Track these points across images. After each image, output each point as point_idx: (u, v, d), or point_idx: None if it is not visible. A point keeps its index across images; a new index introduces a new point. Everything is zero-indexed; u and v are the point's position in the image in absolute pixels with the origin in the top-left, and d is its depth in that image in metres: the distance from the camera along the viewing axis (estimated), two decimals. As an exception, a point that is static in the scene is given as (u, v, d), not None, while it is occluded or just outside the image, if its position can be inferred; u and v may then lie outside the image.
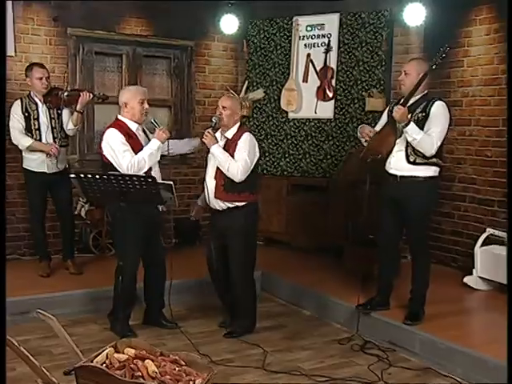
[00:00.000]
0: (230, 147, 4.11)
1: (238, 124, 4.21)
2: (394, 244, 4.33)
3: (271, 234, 6.61)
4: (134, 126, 4.16)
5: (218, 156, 4.06)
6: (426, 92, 4.14)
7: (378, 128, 4.30)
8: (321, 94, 6.23)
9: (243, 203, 4.14)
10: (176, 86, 6.68)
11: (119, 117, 4.19)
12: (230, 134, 4.17)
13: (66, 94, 5.09)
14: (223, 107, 4.14)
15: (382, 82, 5.94)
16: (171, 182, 3.89)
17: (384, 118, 4.32)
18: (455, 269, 5.61)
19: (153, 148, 4.05)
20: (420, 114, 4.05)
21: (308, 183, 6.35)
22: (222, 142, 4.15)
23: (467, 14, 5.49)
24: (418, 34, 5.87)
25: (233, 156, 4.06)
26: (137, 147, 4.09)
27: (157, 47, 6.47)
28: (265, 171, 6.60)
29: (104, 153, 4.07)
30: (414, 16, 5.52)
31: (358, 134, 4.34)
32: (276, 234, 6.57)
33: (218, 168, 4.10)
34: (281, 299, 5.27)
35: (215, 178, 4.10)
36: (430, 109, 4.02)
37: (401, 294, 4.41)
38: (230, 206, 4.14)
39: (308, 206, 6.26)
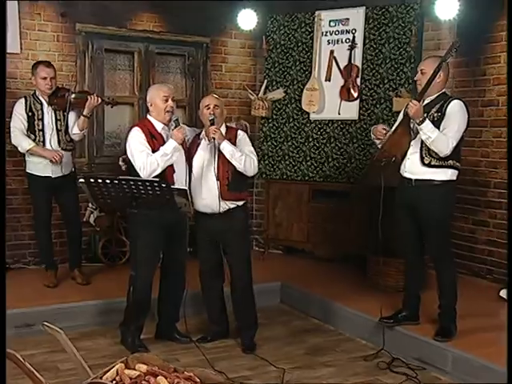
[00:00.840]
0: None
1: (224, 124, 4.33)
2: (416, 252, 4.32)
3: (291, 242, 6.62)
4: (159, 126, 4.20)
5: (229, 151, 4.11)
6: (442, 91, 4.14)
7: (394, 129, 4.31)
8: (345, 94, 6.20)
9: (243, 202, 4.27)
10: (191, 85, 6.69)
11: (147, 116, 4.27)
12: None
13: (73, 96, 5.10)
14: (215, 106, 4.22)
15: (411, 81, 5.87)
16: (186, 188, 3.91)
17: (400, 119, 4.34)
18: (490, 281, 5.53)
19: (167, 149, 4.05)
20: (436, 114, 4.05)
21: (331, 188, 6.32)
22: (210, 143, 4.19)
23: (504, 6, 5.42)
24: (450, 29, 5.81)
25: None
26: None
27: (170, 44, 6.50)
28: (284, 176, 6.58)
29: (127, 153, 4.15)
30: (446, 9, 5.46)
31: (372, 135, 4.36)
32: (297, 242, 6.57)
33: (220, 167, 4.14)
34: (301, 312, 5.26)
35: (218, 177, 4.14)
36: (445, 108, 4.04)
37: (431, 308, 4.36)
38: (232, 206, 4.21)
39: (331, 213, 6.25)
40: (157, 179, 3.90)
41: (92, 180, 3.83)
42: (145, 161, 4.01)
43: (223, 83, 6.77)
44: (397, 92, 5.92)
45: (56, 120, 5.11)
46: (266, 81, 6.64)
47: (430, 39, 5.92)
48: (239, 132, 4.30)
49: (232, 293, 4.38)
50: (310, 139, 6.48)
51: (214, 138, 4.08)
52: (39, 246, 5.54)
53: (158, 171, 4.03)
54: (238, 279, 4.32)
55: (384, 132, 4.22)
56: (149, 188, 3.79)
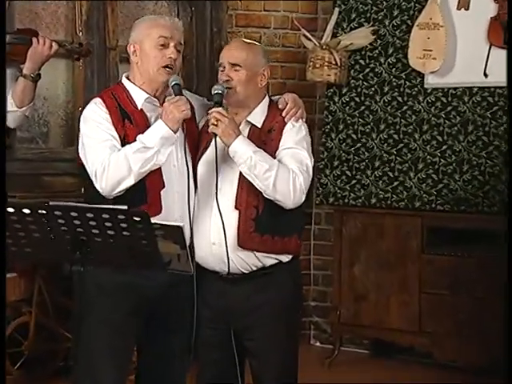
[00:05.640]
0: (263, 143, 4.27)
1: (267, 99, 4.40)
2: None
3: (387, 333, 6.78)
4: (140, 97, 4.25)
5: (247, 159, 4.14)
6: None
7: None
8: (497, 35, 6.14)
9: (290, 256, 4.32)
10: (192, 24, 6.81)
11: (123, 80, 4.37)
12: (256, 117, 4.33)
13: (7, 39, 5.14)
14: (235, 65, 4.27)
15: None
16: (182, 224, 3.80)
17: None
18: None
19: (149, 139, 4.07)
20: None
21: (467, 226, 6.33)
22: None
23: None
24: None
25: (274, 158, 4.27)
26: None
27: None
28: (373, 200, 6.61)
29: (79, 149, 4.25)
30: None
31: None
32: (398, 333, 6.66)
33: (240, 187, 4.24)
34: None
35: (237, 206, 4.22)
36: None
37: None
38: (268, 263, 4.28)
39: (469, 275, 6.23)
40: (123, 207, 3.77)
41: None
42: (105, 160, 4.02)
43: (253, 17, 7.04)
44: None
45: None
46: (336, 11, 6.68)
47: None
48: (290, 118, 4.33)
49: None
50: (425, 126, 6.47)
51: (214, 134, 4.14)
52: None
53: (130, 182, 4.05)
54: None
55: None
56: (108, 223, 3.70)
